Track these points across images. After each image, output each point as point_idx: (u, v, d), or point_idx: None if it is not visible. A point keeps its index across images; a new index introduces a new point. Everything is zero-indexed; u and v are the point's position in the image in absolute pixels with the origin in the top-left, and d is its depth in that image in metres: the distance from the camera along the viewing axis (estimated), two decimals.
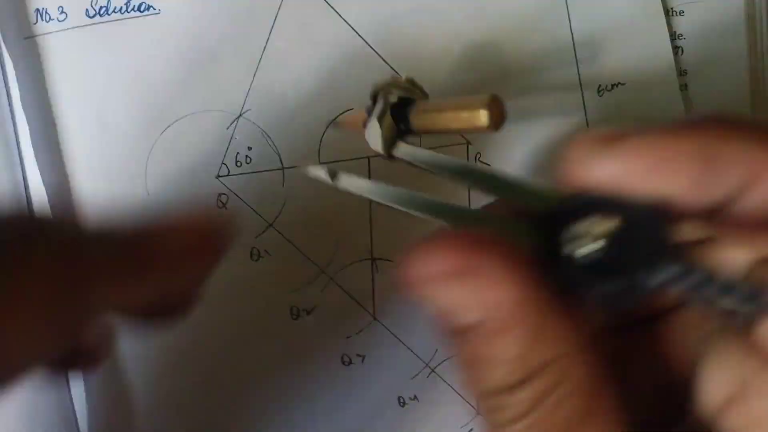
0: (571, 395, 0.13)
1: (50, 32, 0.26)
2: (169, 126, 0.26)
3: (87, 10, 0.26)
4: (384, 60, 0.26)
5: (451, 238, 0.13)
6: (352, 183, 0.17)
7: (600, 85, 0.27)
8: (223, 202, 0.27)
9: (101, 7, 0.26)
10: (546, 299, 0.13)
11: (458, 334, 0.13)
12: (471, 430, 0.27)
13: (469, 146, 0.27)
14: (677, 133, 0.13)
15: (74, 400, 0.27)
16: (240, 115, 0.27)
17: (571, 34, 0.27)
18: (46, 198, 0.25)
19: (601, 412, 0.13)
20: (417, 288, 0.13)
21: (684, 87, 0.27)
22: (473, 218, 0.16)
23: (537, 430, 0.13)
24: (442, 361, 0.27)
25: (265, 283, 0.27)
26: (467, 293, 0.13)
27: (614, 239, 0.12)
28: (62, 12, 0.26)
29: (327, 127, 0.27)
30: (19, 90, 0.25)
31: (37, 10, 0.26)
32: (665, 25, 0.27)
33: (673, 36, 0.27)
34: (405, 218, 0.27)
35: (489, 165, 0.27)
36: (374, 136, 0.18)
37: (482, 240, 0.13)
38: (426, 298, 0.13)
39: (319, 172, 0.18)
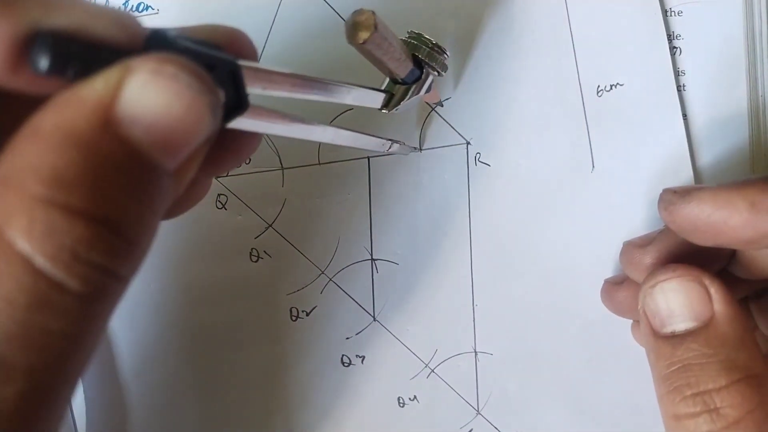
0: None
1: None
2: None
3: None
4: None
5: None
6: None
7: (599, 86, 0.27)
8: (222, 203, 0.27)
9: None
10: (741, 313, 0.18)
11: (675, 339, 0.18)
12: (471, 430, 0.27)
13: (469, 146, 0.27)
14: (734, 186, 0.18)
15: (73, 400, 0.27)
16: None
17: (571, 34, 0.27)
18: None
19: None
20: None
21: (682, 87, 0.27)
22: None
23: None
24: (442, 362, 0.27)
25: (265, 284, 0.27)
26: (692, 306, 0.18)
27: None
28: None
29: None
30: None
31: None
32: (663, 25, 0.27)
33: (671, 36, 0.27)
34: (405, 218, 0.27)
35: (489, 165, 0.27)
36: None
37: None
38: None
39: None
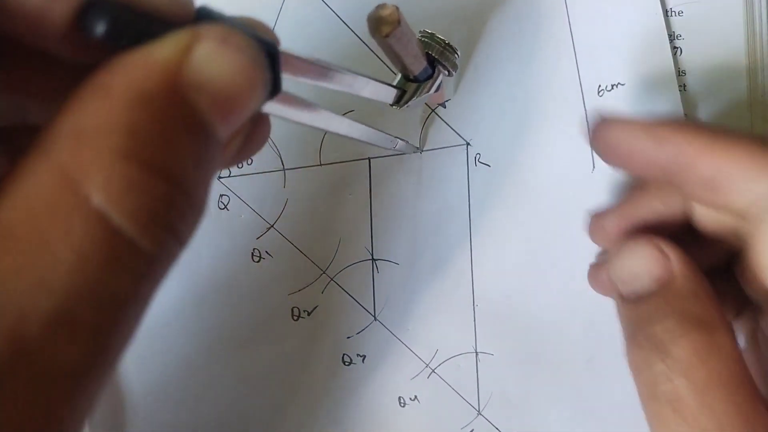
0: (725, 361, 0.17)
1: None
2: None
3: None
4: (383, 61, 0.26)
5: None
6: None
7: (600, 86, 0.27)
8: (224, 203, 0.28)
9: None
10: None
11: (639, 300, 0.19)
12: (472, 430, 0.27)
13: (469, 147, 0.27)
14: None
15: None
16: None
17: (571, 34, 0.27)
18: None
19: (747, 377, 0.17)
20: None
21: (683, 87, 0.27)
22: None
23: (694, 383, 0.17)
24: (443, 362, 0.27)
25: (266, 284, 0.27)
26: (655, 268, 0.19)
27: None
28: None
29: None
30: None
31: None
32: (664, 25, 0.27)
33: (672, 36, 0.27)
34: (406, 219, 0.27)
35: (489, 165, 0.27)
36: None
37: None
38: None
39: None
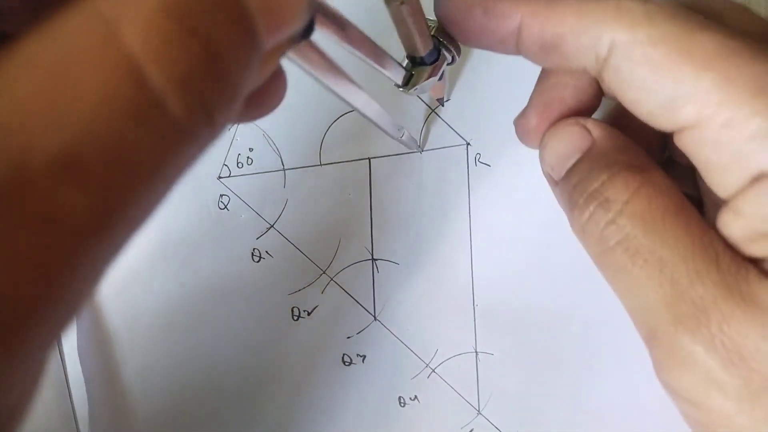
0: (661, 191, 0.17)
1: None
2: None
3: None
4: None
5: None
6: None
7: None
8: (224, 203, 0.28)
9: None
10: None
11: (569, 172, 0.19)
12: (472, 430, 0.27)
13: (469, 147, 0.27)
14: None
15: (74, 400, 0.27)
16: None
17: None
18: None
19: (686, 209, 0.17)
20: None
21: None
22: None
23: (637, 216, 0.17)
24: (443, 362, 0.27)
25: (266, 284, 0.27)
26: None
27: None
28: None
29: (328, 128, 0.27)
30: None
31: None
32: None
33: None
34: (406, 219, 0.27)
35: (489, 165, 0.27)
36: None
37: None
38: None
39: None
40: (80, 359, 0.27)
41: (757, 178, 0.16)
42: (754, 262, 0.17)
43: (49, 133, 0.09)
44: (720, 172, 0.17)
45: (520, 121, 0.23)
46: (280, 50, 0.14)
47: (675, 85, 0.16)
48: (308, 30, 0.15)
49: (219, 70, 0.11)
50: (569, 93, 0.20)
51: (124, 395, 0.27)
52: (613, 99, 0.20)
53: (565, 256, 0.26)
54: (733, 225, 0.17)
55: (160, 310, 0.27)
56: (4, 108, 0.09)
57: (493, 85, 0.27)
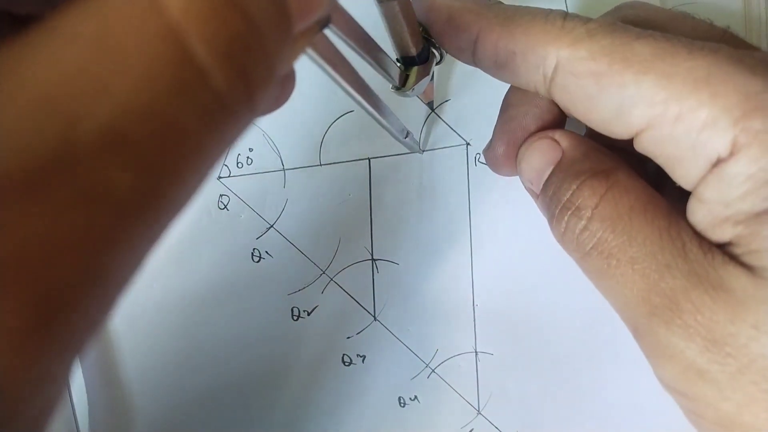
0: (627, 191, 0.18)
1: None
2: None
3: None
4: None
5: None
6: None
7: None
8: (224, 203, 0.28)
9: None
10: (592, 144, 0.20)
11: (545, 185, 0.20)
12: (472, 430, 0.27)
13: (469, 147, 0.27)
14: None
15: (74, 400, 0.27)
16: None
17: None
18: None
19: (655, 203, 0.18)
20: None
21: None
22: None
23: (606, 220, 0.18)
24: (443, 362, 0.27)
25: (266, 284, 0.27)
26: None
27: None
28: None
29: (328, 128, 0.27)
30: None
31: None
32: None
33: None
34: (406, 219, 0.27)
35: None
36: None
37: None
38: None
39: None
40: (80, 359, 0.27)
41: (715, 164, 0.16)
42: (721, 248, 0.17)
43: (96, 107, 0.09)
44: (681, 165, 0.17)
45: (488, 153, 0.23)
46: (304, 38, 0.14)
47: (620, 90, 0.17)
48: (326, 21, 0.15)
49: (259, 45, 0.11)
50: (530, 120, 0.21)
51: (124, 395, 0.27)
52: (570, 115, 0.20)
53: (565, 256, 0.26)
54: (698, 213, 0.17)
55: (160, 310, 0.27)
56: (51, 80, 0.09)
57: (493, 85, 0.27)
